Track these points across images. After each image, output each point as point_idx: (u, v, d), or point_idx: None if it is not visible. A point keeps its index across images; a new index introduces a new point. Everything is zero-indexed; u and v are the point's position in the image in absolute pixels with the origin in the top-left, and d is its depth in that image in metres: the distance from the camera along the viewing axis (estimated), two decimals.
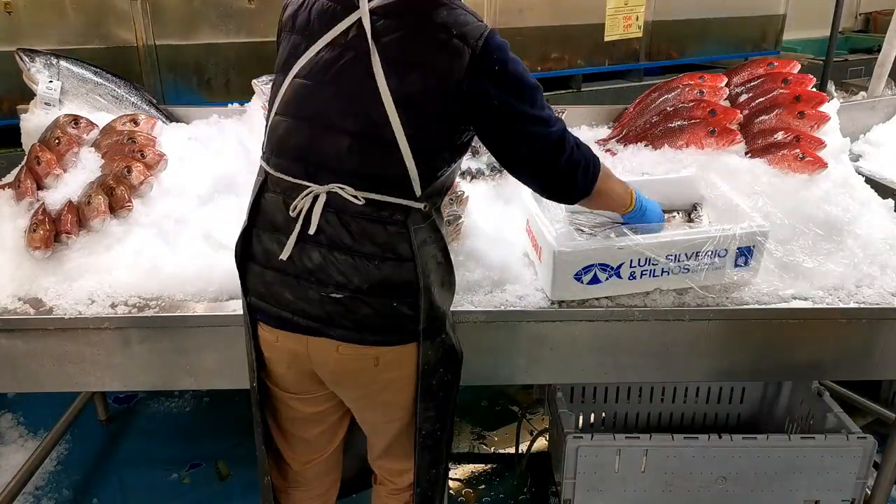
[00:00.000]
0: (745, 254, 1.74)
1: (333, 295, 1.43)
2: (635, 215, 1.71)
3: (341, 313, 1.44)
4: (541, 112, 1.44)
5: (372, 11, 1.38)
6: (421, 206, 1.43)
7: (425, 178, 1.42)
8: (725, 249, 1.71)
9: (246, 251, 1.52)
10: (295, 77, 1.44)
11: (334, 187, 1.39)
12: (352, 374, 1.52)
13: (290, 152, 1.45)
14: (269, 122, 1.50)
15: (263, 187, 1.50)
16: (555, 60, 4.15)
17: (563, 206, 1.82)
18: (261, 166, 1.52)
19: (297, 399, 1.64)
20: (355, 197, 1.39)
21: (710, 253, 1.71)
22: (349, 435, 1.80)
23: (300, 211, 1.42)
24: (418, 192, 1.42)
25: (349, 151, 1.39)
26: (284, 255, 1.44)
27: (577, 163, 1.50)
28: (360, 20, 1.38)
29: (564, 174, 1.49)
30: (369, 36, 1.36)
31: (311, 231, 1.41)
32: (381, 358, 1.49)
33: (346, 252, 1.42)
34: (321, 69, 1.41)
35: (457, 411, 1.70)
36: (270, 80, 2.33)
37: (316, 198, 1.41)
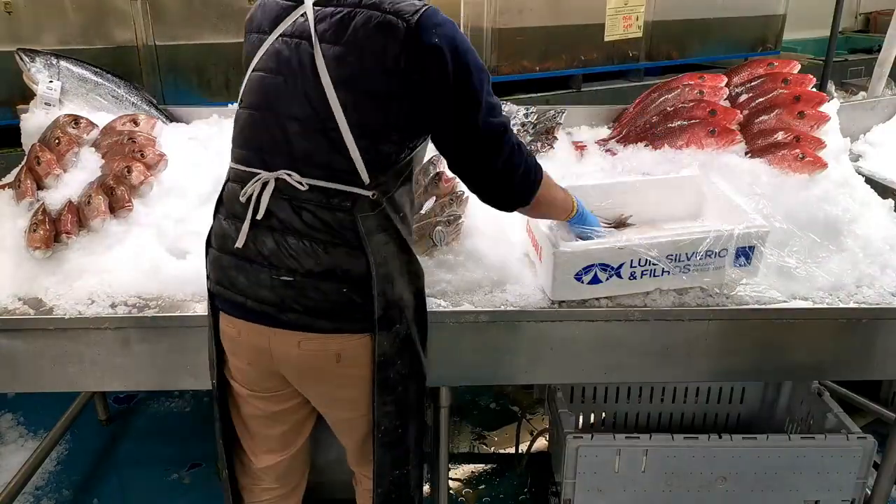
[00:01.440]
0: (746, 254, 1.74)
1: (284, 278, 1.43)
2: (576, 220, 1.72)
3: (293, 297, 1.44)
4: (487, 98, 1.41)
5: (315, 2, 1.43)
6: (368, 193, 1.42)
7: (373, 165, 1.41)
8: (725, 249, 1.71)
9: (210, 239, 1.58)
10: (253, 71, 1.50)
11: (282, 174, 1.42)
12: (315, 371, 1.52)
13: (247, 142, 1.50)
14: (235, 116, 1.55)
15: (227, 179, 1.55)
16: (555, 60, 4.14)
17: None
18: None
19: (258, 397, 1.63)
20: (300, 183, 1.41)
21: (710, 253, 1.71)
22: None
23: (249, 197, 1.45)
24: (366, 179, 1.41)
25: (298, 138, 1.42)
26: (240, 243, 1.46)
27: (517, 166, 1.46)
28: (304, 12, 1.43)
29: (500, 175, 1.47)
30: (311, 23, 1.40)
31: (259, 216, 1.44)
32: (343, 353, 1.48)
33: (298, 237, 1.43)
34: (272, 60, 1.46)
35: (425, 414, 1.66)
36: None
37: (265, 184, 1.44)
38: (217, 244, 1.54)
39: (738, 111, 2.21)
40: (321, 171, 1.41)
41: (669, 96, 2.32)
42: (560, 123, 2.32)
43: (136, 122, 2.19)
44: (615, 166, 2.29)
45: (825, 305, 1.79)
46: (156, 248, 1.91)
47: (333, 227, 1.42)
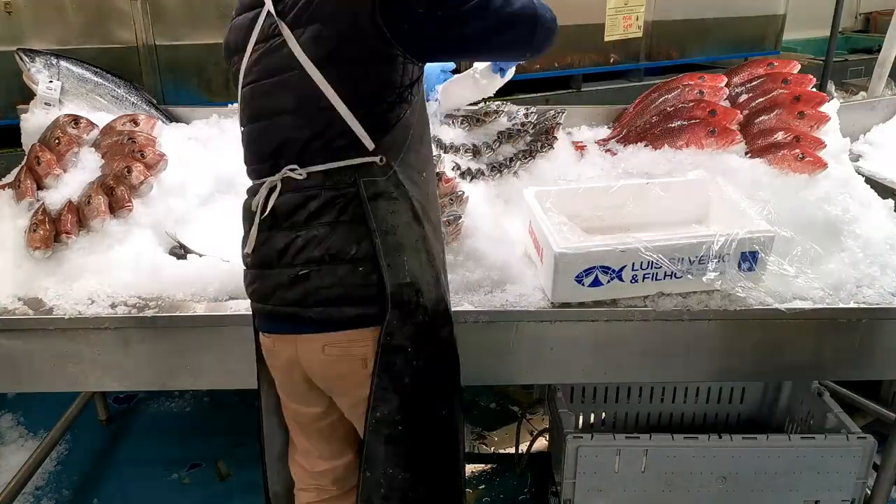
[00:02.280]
0: (750, 259, 1.74)
1: (301, 271, 1.42)
2: None
3: (313, 289, 1.42)
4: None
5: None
6: (376, 158, 1.40)
7: (375, 130, 1.40)
8: (728, 253, 1.70)
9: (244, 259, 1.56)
10: (242, 88, 1.50)
11: (286, 171, 1.42)
12: (341, 378, 1.50)
13: (254, 157, 1.51)
14: (241, 138, 1.56)
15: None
16: (555, 60, 4.14)
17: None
18: None
19: (300, 407, 1.63)
20: (300, 174, 1.41)
21: (713, 257, 1.70)
22: None
23: (258, 203, 1.45)
24: (370, 145, 1.39)
25: (293, 129, 1.42)
26: (249, 248, 1.48)
27: (533, 13, 1.47)
28: (268, 11, 1.42)
29: (534, 33, 1.49)
30: (274, 14, 1.39)
31: (260, 218, 1.44)
32: (367, 358, 1.45)
33: (307, 227, 1.42)
34: (254, 70, 1.46)
35: (456, 422, 1.56)
36: None
37: (272, 188, 1.44)
38: (243, 261, 1.55)
39: (738, 111, 2.21)
40: (324, 154, 1.41)
41: (669, 96, 2.32)
42: (560, 123, 2.32)
43: (136, 122, 2.19)
44: (615, 166, 2.29)
45: (825, 305, 1.78)
46: (156, 249, 1.91)
47: (337, 205, 1.40)
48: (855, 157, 2.57)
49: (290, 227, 1.43)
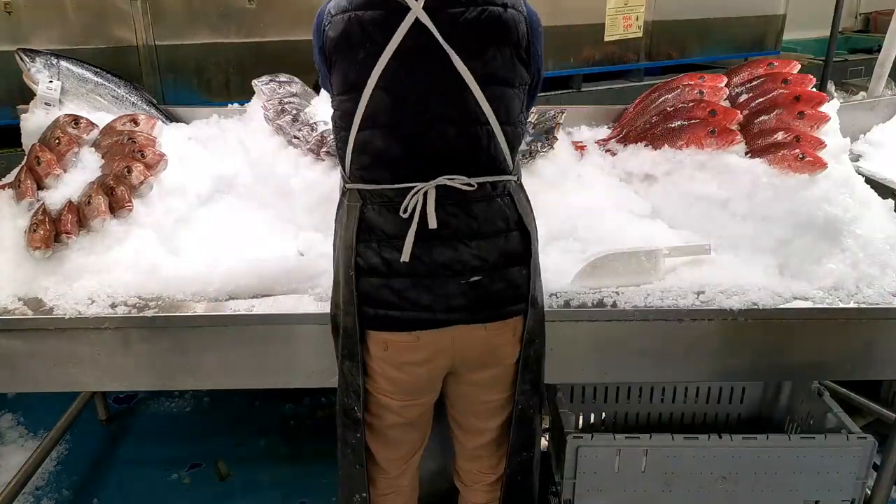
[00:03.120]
0: None
1: (473, 279, 1.48)
2: None
3: (483, 295, 1.50)
4: None
5: (425, 8, 1.41)
6: (514, 178, 1.53)
7: (514, 149, 1.51)
8: None
9: (358, 270, 1.50)
10: (374, 89, 1.42)
11: (442, 180, 1.43)
12: (498, 349, 1.57)
13: (391, 161, 1.47)
14: (353, 141, 1.47)
15: (364, 205, 1.49)
16: (555, 60, 4.14)
17: None
18: (349, 190, 1.51)
19: (407, 406, 1.62)
20: (468, 184, 1.44)
21: None
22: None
23: (412, 210, 1.44)
24: (511, 165, 1.51)
25: (457, 140, 1.45)
26: (405, 257, 1.46)
27: None
28: (416, 19, 1.41)
29: None
30: (436, 33, 1.40)
31: (433, 226, 1.44)
32: (516, 328, 1.56)
33: (475, 237, 1.48)
34: (400, 75, 1.43)
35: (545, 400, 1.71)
36: (271, 81, 2.35)
37: (425, 194, 1.44)
38: (381, 271, 1.49)
39: (738, 111, 2.20)
40: (483, 168, 1.47)
41: (669, 96, 2.32)
42: (560, 123, 2.32)
43: (136, 122, 2.19)
44: (615, 166, 2.29)
45: (825, 305, 1.79)
46: (156, 248, 1.91)
47: (503, 215, 1.50)
48: (855, 157, 2.57)
49: (455, 238, 1.49)
